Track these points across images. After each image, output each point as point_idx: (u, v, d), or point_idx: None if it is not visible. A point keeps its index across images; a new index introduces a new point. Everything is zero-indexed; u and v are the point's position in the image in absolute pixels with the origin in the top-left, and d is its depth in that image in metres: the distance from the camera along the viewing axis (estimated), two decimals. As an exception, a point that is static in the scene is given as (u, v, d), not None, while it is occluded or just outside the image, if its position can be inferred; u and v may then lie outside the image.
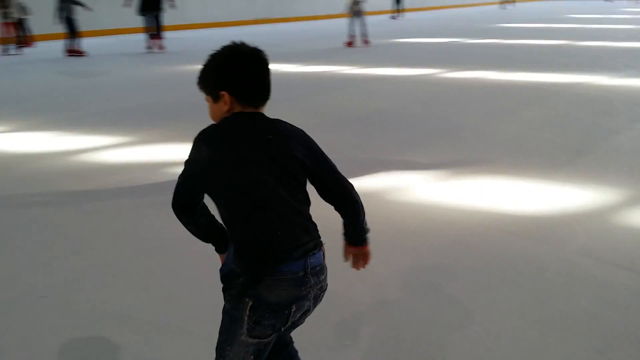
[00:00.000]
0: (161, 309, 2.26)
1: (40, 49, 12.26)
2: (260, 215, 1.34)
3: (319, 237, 1.43)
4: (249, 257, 1.36)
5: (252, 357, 1.34)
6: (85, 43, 11.47)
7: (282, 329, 1.37)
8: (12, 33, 11.33)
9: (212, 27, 18.33)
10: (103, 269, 2.62)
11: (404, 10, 21.96)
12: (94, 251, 2.81)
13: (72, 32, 11.15)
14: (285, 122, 1.44)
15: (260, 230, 1.34)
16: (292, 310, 1.34)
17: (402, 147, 4.55)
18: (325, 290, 1.43)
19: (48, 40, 13.11)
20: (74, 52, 11.10)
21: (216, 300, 1.50)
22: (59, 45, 11.37)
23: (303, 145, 1.42)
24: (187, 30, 17.12)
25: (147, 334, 2.09)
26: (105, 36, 14.83)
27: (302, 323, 1.43)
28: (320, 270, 1.39)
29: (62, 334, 2.10)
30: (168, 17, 12.79)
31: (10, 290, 2.44)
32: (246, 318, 1.32)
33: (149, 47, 11.96)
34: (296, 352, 1.59)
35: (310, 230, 1.41)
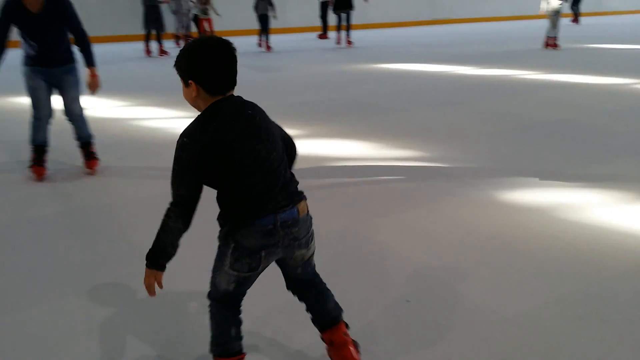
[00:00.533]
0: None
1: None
2: (248, 179, 1.61)
3: (298, 195, 1.70)
4: (232, 212, 1.66)
5: (233, 284, 1.71)
6: (274, 39, 12.31)
7: (259, 269, 1.69)
8: (208, 28, 12.50)
9: (393, 27, 18.44)
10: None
11: (581, 15, 20.01)
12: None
13: (264, 28, 12.15)
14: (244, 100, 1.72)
15: (244, 192, 1.62)
16: (262, 255, 1.66)
17: (582, 161, 4.13)
18: (306, 238, 1.72)
19: (242, 35, 14.31)
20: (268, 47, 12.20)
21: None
22: (250, 40, 12.35)
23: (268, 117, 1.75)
24: (369, 30, 17.45)
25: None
26: (292, 34, 15.72)
27: (300, 260, 1.76)
28: (292, 223, 1.67)
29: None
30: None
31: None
32: (229, 255, 1.67)
33: (338, 43, 13.02)
34: (323, 285, 1.91)
35: (290, 189, 1.69)
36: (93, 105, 6.29)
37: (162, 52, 11.30)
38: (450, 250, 2.79)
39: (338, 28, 13.14)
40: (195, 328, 2.13)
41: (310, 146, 4.64)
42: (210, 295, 1.78)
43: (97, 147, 4.16)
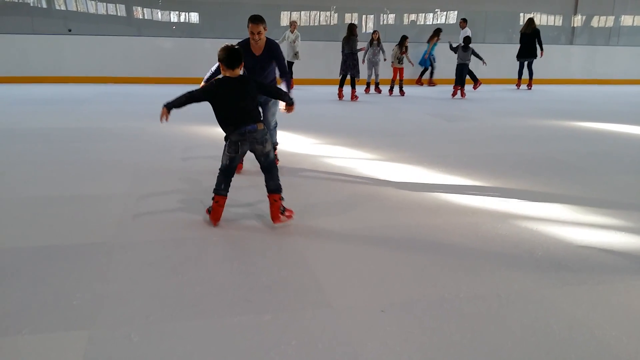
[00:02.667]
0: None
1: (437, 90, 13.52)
2: (232, 112, 3.63)
3: (258, 118, 3.67)
4: (227, 127, 3.65)
5: (228, 160, 3.69)
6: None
7: (239, 152, 3.66)
8: (399, 77, 12.80)
9: (599, 83, 17.19)
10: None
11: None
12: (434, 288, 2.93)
13: (461, 79, 12.40)
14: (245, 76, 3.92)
15: (231, 118, 3.63)
16: (239, 145, 3.63)
17: None
18: (261, 140, 3.64)
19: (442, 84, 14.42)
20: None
21: None
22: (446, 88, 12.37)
23: (255, 82, 3.79)
24: (572, 85, 16.48)
25: None
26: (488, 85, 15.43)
27: (260, 152, 3.70)
28: (253, 131, 3.61)
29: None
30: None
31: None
32: (226, 146, 3.68)
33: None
34: (274, 173, 3.77)
35: (253, 117, 3.64)
36: (288, 139, 6.79)
37: (354, 97, 11.81)
38: None
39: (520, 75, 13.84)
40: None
41: (493, 200, 4.45)
42: (219, 168, 3.75)
43: (289, 177, 4.46)
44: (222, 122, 3.67)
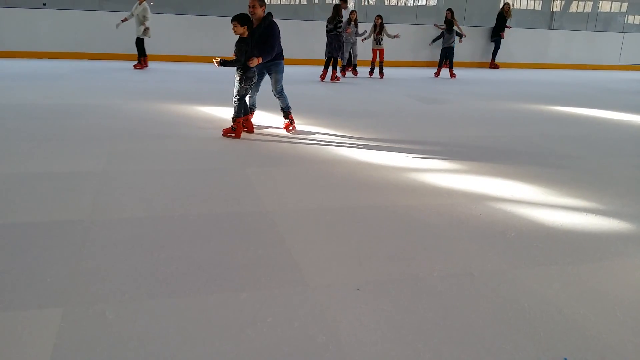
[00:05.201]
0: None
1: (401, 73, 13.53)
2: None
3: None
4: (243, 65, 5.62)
5: (245, 91, 5.77)
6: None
7: (251, 83, 5.77)
8: (379, 58, 12.73)
9: (575, 68, 17.39)
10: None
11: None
12: (410, 261, 2.97)
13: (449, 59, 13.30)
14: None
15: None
16: (254, 80, 5.80)
17: None
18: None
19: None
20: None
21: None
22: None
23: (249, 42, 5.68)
24: (549, 70, 16.63)
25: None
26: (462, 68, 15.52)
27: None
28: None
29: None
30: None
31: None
32: (243, 80, 5.70)
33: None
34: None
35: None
36: (270, 121, 6.76)
37: (335, 77, 11.74)
38: (620, 314, 2.52)
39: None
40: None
41: (469, 182, 4.51)
42: (238, 99, 5.70)
43: (267, 159, 4.45)
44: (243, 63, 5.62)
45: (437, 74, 13.60)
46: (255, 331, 2.27)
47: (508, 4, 15.85)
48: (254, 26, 5.79)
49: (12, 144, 5.12)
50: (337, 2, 12.60)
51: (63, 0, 14.02)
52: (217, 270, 2.78)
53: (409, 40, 15.69)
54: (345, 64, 12.87)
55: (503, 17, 15.76)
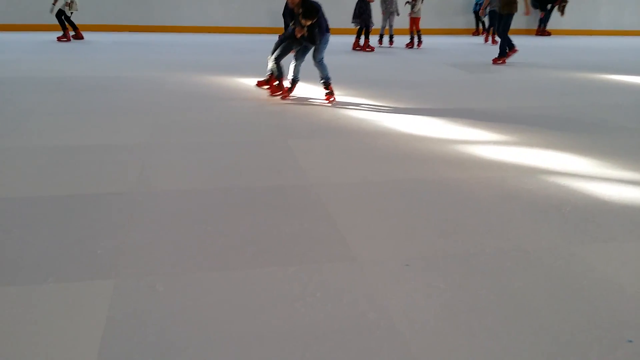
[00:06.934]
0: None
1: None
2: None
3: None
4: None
5: (299, 50, 6.16)
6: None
7: (305, 45, 6.04)
8: (415, 27, 12.35)
9: (626, 34, 16.60)
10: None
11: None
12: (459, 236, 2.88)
13: (492, 24, 12.69)
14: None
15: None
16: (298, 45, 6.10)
17: None
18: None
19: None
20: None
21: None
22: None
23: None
24: (597, 37, 15.93)
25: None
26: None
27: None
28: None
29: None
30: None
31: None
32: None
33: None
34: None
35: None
36: (311, 93, 6.67)
37: (368, 47, 11.50)
38: (687, 295, 2.39)
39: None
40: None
41: (520, 154, 4.35)
42: (275, 60, 6.15)
43: (308, 131, 4.39)
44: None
45: (486, 40, 13.50)
46: (305, 306, 2.24)
47: None
48: (291, 7, 5.91)
49: (55, 118, 5.19)
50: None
51: (103, -27, 14.07)
52: (264, 244, 2.75)
53: (445, 6, 15.24)
54: (389, 33, 12.56)
55: None
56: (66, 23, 11.71)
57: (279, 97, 6.27)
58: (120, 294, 2.29)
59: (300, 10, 5.73)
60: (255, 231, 2.90)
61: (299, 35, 5.88)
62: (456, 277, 2.50)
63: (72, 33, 11.98)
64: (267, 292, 2.33)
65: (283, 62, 6.30)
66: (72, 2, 11.55)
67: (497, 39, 13.14)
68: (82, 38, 12.13)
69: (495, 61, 9.77)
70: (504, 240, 2.89)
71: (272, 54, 6.25)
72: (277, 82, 6.37)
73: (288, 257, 2.63)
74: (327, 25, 6.01)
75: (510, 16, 9.38)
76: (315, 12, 5.71)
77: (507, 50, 9.73)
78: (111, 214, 3.06)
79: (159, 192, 3.42)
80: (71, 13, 11.71)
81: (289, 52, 6.19)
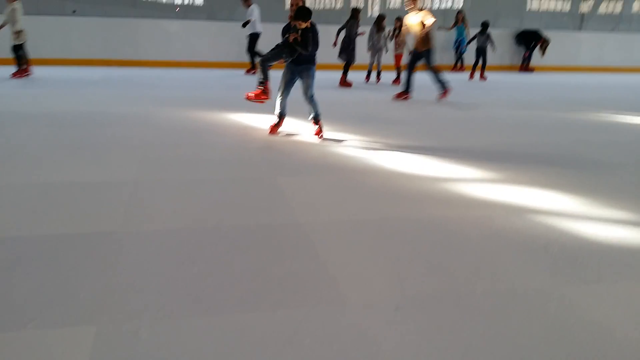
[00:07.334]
0: None
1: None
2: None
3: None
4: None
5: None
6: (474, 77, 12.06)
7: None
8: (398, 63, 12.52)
9: (608, 71, 16.98)
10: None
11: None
12: (449, 273, 2.85)
13: (475, 63, 13.56)
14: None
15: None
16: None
17: None
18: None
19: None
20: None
21: None
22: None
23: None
24: (581, 73, 16.28)
25: None
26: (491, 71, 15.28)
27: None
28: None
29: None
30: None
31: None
32: (284, 72, 6.12)
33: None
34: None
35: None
36: (299, 129, 6.69)
37: (345, 82, 11.56)
38: (678, 339, 2.37)
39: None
40: None
41: (507, 192, 4.37)
42: (262, 62, 6.18)
43: (297, 168, 4.38)
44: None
45: (471, 76, 13.71)
46: (293, 353, 2.19)
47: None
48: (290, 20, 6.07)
49: (44, 153, 5.15)
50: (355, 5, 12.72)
51: (93, 8, 14.23)
52: (252, 286, 2.71)
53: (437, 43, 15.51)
54: (377, 70, 12.70)
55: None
56: (19, 54, 10.78)
57: (268, 134, 6.28)
58: (102, 340, 2.22)
59: (300, 22, 5.82)
60: (243, 272, 2.86)
61: (292, 39, 5.84)
62: (447, 320, 2.47)
63: (21, 67, 10.95)
64: (255, 339, 2.28)
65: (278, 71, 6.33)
66: (20, 31, 10.61)
67: (486, 75, 13.50)
68: (29, 74, 11.08)
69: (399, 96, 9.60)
70: (493, 280, 2.87)
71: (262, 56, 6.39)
72: (262, 86, 6.27)
73: (276, 300, 2.59)
74: (314, 56, 6.07)
75: (427, 53, 9.24)
76: (309, 14, 5.79)
77: (407, 90, 9.56)
78: (96, 255, 3.01)
79: (145, 231, 3.37)
80: (21, 44, 10.72)
81: (278, 59, 6.13)
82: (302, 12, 5.81)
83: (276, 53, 6.09)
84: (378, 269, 2.96)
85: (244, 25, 12.56)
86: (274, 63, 6.19)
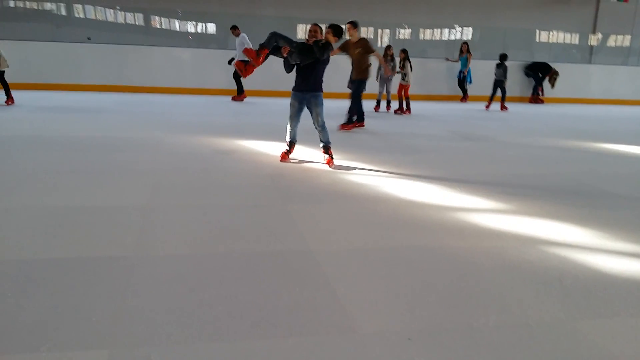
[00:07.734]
0: None
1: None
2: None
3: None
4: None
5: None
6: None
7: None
8: (404, 94, 12.57)
9: (618, 104, 17.02)
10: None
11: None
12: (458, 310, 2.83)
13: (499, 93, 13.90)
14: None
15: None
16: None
17: None
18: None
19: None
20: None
21: None
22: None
23: None
24: (590, 105, 16.35)
25: None
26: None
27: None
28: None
29: None
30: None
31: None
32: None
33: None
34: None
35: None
36: (310, 156, 6.73)
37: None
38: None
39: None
40: None
41: (519, 223, 4.35)
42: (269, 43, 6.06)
43: (308, 196, 4.40)
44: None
45: (487, 107, 14.13)
46: (305, 382, 2.17)
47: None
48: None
49: (56, 177, 5.20)
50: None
51: (107, 35, 14.51)
52: (263, 313, 2.70)
53: (440, 73, 15.71)
54: (385, 99, 12.85)
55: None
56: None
57: (279, 161, 6.31)
58: (115, 365, 2.22)
59: (330, 31, 6.23)
60: (254, 299, 2.86)
61: (312, 41, 6.00)
62: (460, 353, 2.44)
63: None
64: (266, 366, 2.26)
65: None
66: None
67: (506, 105, 13.76)
68: (12, 103, 10.68)
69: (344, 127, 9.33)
70: (506, 313, 2.85)
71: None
72: (259, 49, 6.18)
73: (288, 328, 2.58)
74: (321, 84, 6.20)
75: (363, 82, 9.19)
76: (341, 34, 6.33)
77: (355, 120, 9.36)
78: (108, 279, 3.02)
79: (157, 257, 3.38)
80: (2, 71, 10.45)
81: (284, 46, 6.01)
82: (337, 29, 6.28)
83: (287, 41, 6.01)
84: (389, 299, 2.94)
85: (230, 62, 13.27)
86: (279, 44, 6.04)
